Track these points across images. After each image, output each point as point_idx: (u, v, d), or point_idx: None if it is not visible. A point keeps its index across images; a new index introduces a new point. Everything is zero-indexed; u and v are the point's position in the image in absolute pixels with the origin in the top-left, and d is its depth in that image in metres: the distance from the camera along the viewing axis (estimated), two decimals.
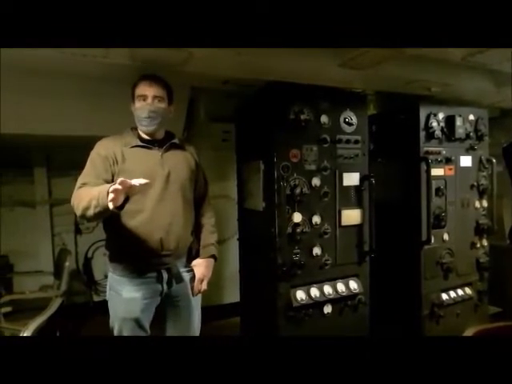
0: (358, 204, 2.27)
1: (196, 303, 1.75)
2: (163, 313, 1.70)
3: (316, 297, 2.10)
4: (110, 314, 1.65)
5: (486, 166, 2.71)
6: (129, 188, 1.28)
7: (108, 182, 1.54)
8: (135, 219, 1.56)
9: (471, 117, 2.65)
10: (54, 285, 2.65)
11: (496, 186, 2.68)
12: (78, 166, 1.70)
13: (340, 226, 2.21)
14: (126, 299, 1.59)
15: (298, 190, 2.04)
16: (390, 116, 2.74)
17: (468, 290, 2.67)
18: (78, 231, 3.50)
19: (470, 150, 2.66)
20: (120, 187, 1.24)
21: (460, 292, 2.64)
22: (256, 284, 2.39)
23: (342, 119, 2.21)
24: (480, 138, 2.69)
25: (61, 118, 2.01)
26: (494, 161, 2.68)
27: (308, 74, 2.03)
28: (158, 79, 1.63)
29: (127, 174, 1.53)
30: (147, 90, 1.60)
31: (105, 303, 1.68)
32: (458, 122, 2.55)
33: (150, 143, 1.64)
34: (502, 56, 1.97)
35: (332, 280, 2.19)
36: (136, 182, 1.29)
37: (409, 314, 2.57)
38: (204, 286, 1.72)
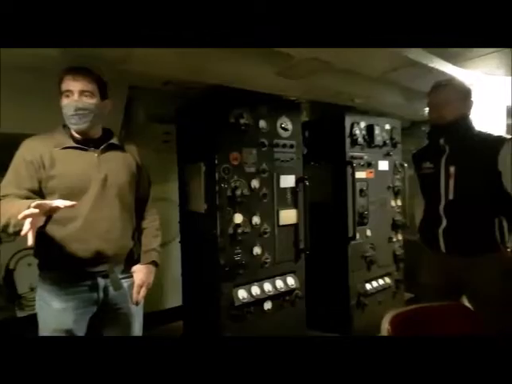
0: (294, 204, 2.40)
1: (137, 310, 1.63)
2: (101, 322, 1.58)
3: (257, 294, 2.18)
4: (40, 326, 1.49)
5: (400, 170, 3.06)
6: (48, 211, 1.16)
7: (33, 191, 1.40)
8: (67, 227, 1.42)
9: (387, 126, 2.98)
10: None
11: (408, 188, 2.99)
12: None
13: (278, 225, 2.32)
14: (56, 310, 1.44)
15: (238, 192, 2.09)
16: (321, 123, 2.97)
17: (387, 280, 2.98)
18: None
19: (386, 156, 2.98)
20: (36, 211, 1.11)
21: (381, 281, 2.93)
22: (199, 286, 2.38)
23: (278, 124, 2.33)
24: (394, 146, 3.03)
25: None
26: (406, 165, 3.01)
27: (247, 80, 2.11)
28: (85, 71, 1.45)
29: (57, 179, 1.41)
30: (72, 84, 1.43)
31: (30, 318, 1.53)
32: (377, 130, 2.85)
33: (84, 143, 1.48)
34: (412, 74, 2.28)
35: (271, 277, 2.29)
36: (60, 203, 1.17)
37: (339, 304, 2.79)
38: (142, 293, 1.59)
